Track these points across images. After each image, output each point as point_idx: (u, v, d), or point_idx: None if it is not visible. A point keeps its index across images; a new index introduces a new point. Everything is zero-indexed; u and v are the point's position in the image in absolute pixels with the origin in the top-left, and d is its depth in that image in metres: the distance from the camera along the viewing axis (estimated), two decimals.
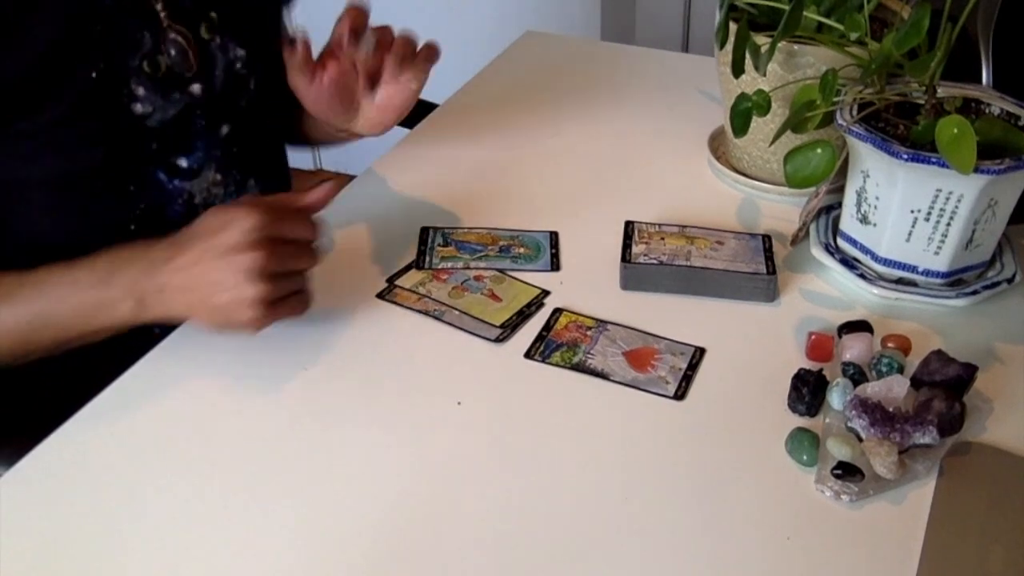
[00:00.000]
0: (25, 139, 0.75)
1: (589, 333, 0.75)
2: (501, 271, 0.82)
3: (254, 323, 0.70)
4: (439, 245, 0.86)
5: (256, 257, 0.68)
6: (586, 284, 0.81)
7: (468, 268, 0.83)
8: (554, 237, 0.87)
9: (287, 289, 0.71)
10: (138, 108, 0.80)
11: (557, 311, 0.78)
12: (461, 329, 0.76)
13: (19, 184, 0.78)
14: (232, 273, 0.68)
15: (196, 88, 0.83)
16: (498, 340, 0.75)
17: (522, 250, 0.85)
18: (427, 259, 0.84)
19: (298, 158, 2.92)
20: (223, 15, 0.85)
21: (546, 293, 0.80)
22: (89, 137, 0.77)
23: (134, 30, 0.78)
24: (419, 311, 0.78)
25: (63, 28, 0.74)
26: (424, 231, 0.88)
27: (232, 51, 0.86)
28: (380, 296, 0.80)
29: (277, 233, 0.69)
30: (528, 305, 0.78)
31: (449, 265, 0.83)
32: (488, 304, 0.79)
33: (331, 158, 2.63)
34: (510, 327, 0.76)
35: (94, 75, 0.76)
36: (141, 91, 0.79)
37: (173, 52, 0.81)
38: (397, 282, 0.81)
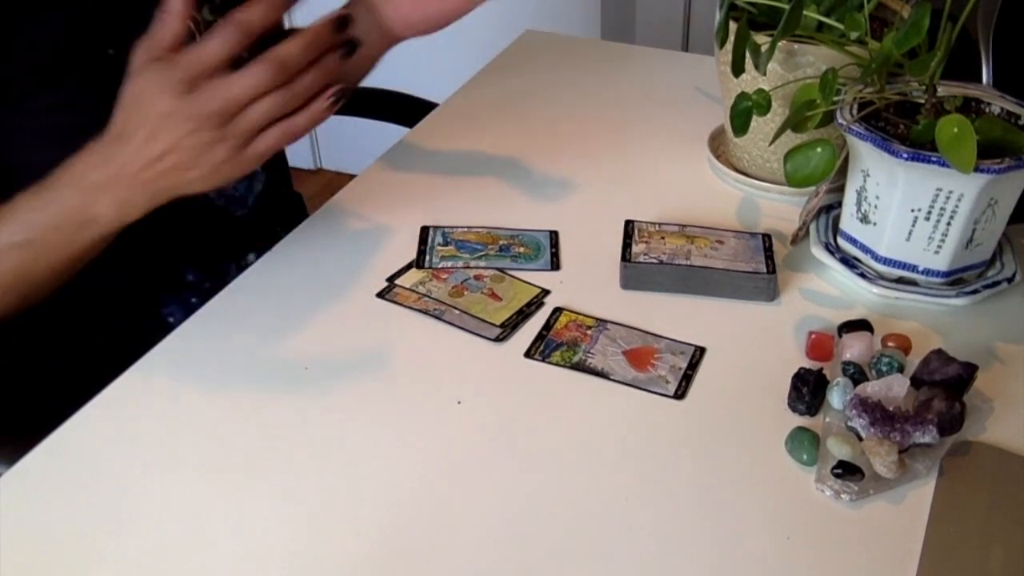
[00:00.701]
0: (41, 119, 0.75)
1: (589, 332, 0.75)
2: (501, 270, 0.82)
3: (241, 169, 0.68)
4: (439, 244, 0.86)
5: (201, 111, 0.64)
6: (586, 283, 0.81)
7: (468, 267, 0.83)
8: (554, 236, 0.87)
9: (256, 120, 0.66)
10: None
11: (557, 310, 0.78)
12: (462, 328, 0.76)
13: (28, 168, 0.77)
14: (189, 136, 0.65)
15: None
16: (498, 340, 0.75)
17: (522, 249, 0.85)
18: (427, 258, 0.84)
19: (298, 157, 2.93)
20: None
21: (546, 292, 0.80)
22: (105, 115, 0.77)
23: (147, 7, 0.78)
24: (419, 310, 0.78)
25: (80, 6, 0.73)
26: (424, 230, 0.88)
27: None
28: (380, 295, 0.80)
29: (204, 69, 0.65)
30: (528, 304, 0.79)
31: (449, 264, 0.83)
32: (488, 303, 0.79)
33: (331, 158, 2.63)
34: (510, 326, 0.76)
35: (111, 51, 0.76)
36: None
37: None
38: (397, 281, 0.81)
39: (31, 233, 0.71)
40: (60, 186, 0.70)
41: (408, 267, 0.83)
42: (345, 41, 0.68)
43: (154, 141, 0.66)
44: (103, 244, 0.73)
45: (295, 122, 0.68)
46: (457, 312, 0.77)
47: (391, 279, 0.82)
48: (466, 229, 0.88)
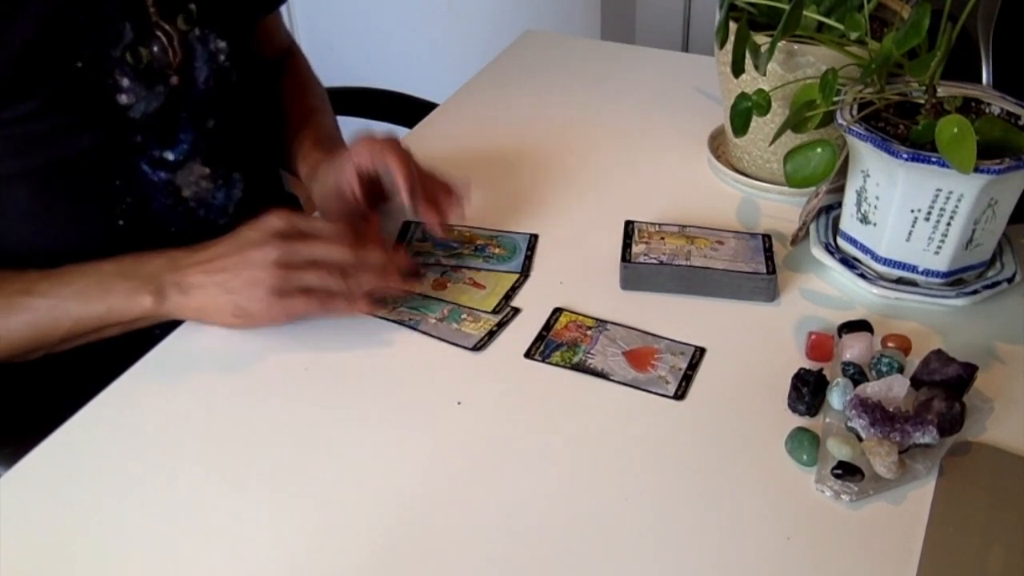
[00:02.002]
0: (9, 129, 0.75)
1: (589, 333, 0.75)
2: (472, 269, 0.83)
3: (266, 313, 0.72)
4: (417, 240, 0.87)
5: (270, 248, 0.71)
6: (586, 284, 0.81)
7: (440, 264, 0.83)
8: (533, 240, 0.87)
9: (303, 281, 0.73)
10: (122, 99, 0.80)
11: (557, 311, 0.78)
12: (438, 339, 0.75)
13: (5, 177, 0.78)
14: (245, 263, 0.71)
15: (176, 80, 0.83)
16: (501, 324, 0.76)
17: (497, 251, 0.85)
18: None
19: None
20: (202, 7, 0.85)
21: (525, 276, 0.82)
22: (74, 127, 0.78)
23: (117, 20, 0.78)
24: (394, 321, 0.77)
25: (48, 17, 0.74)
26: (406, 225, 0.88)
27: (213, 43, 0.86)
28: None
29: (299, 232, 0.73)
30: (512, 289, 0.80)
31: (421, 260, 0.83)
32: (474, 292, 0.79)
33: None
34: (505, 308, 0.77)
35: (79, 64, 0.76)
36: (125, 82, 0.79)
37: (155, 46, 0.81)
38: None
39: (71, 294, 0.74)
40: (123, 260, 0.76)
41: None
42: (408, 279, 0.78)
43: (216, 254, 0.73)
44: (129, 327, 0.77)
45: (335, 303, 0.74)
46: (433, 321, 0.77)
47: None
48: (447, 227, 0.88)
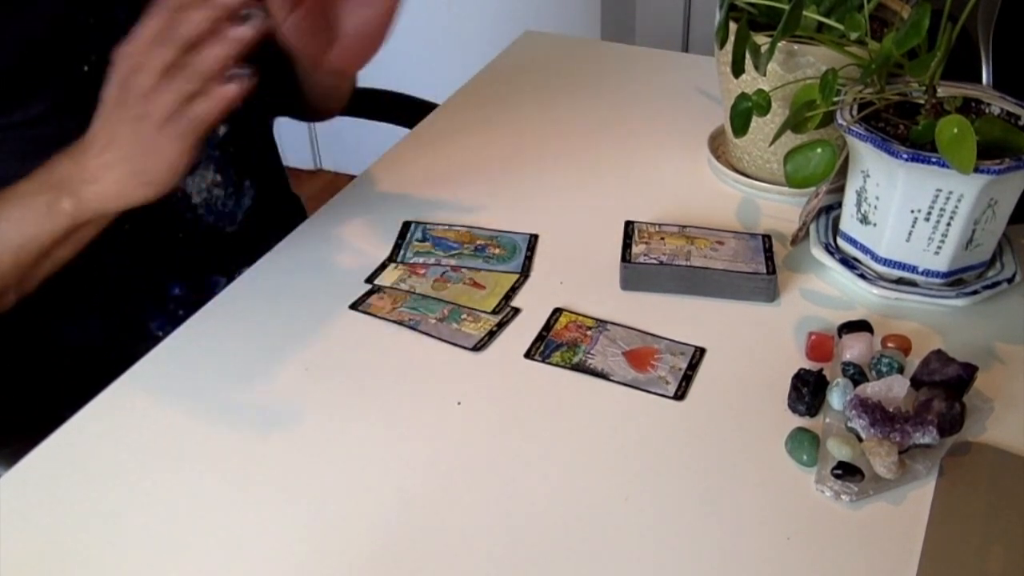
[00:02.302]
0: (18, 132, 0.75)
1: (589, 333, 0.75)
2: (471, 269, 0.83)
3: (171, 149, 0.67)
4: (416, 240, 0.87)
5: (123, 94, 0.65)
6: (586, 284, 0.81)
7: (439, 264, 0.83)
8: (533, 240, 0.87)
9: (166, 107, 0.65)
10: None
11: (557, 311, 0.78)
12: (438, 339, 0.75)
13: (9, 181, 0.78)
14: (119, 121, 0.66)
15: None
16: (501, 324, 0.76)
17: (497, 251, 0.85)
18: (401, 253, 0.84)
19: (298, 158, 2.92)
20: None
21: (525, 276, 0.81)
22: (80, 131, 0.77)
23: (125, 24, 0.78)
24: (394, 321, 0.77)
25: (55, 19, 0.73)
26: (405, 225, 0.88)
27: None
28: (355, 306, 0.79)
29: (134, 52, 0.65)
30: (512, 289, 0.80)
31: (421, 260, 0.83)
32: (474, 292, 0.79)
33: (331, 158, 2.63)
34: (505, 308, 0.77)
35: (86, 68, 0.76)
36: None
37: None
38: (377, 280, 0.81)
39: (2, 219, 0.71)
40: (36, 176, 0.71)
41: (384, 264, 0.83)
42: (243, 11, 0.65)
43: (97, 132, 0.68)
44: (67, 242, 0.73)
45: (199, 106, 0.65)
46: (433, 321, 0.77)
47: (371, 279, 0.82)
48: (446, 227, 0.88)
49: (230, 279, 0.91)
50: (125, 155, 0.68)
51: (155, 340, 0.75)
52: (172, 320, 0.87)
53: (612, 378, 0.71)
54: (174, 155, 0.68)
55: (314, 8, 0.73)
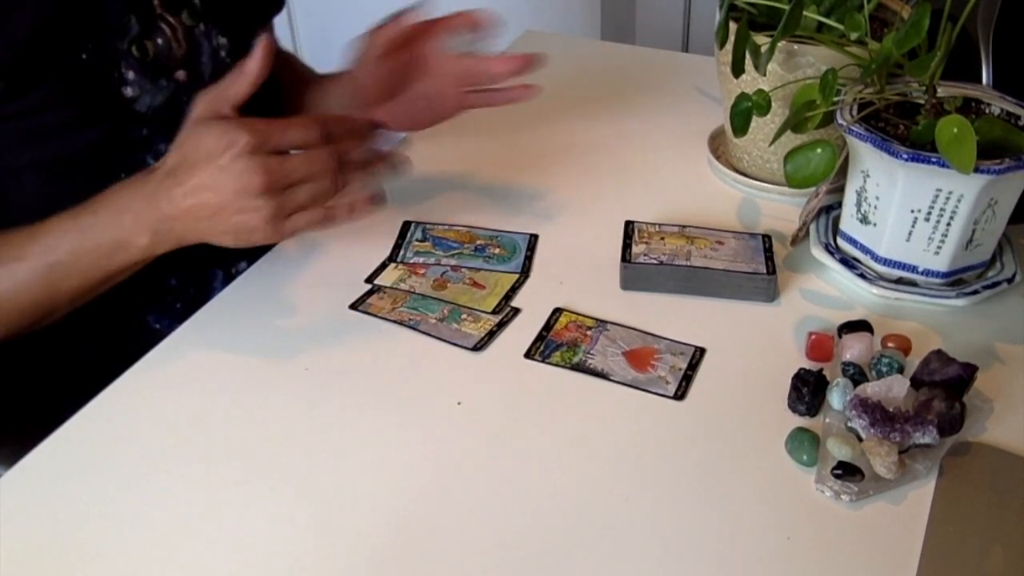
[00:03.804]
0: (15, 122, 0.75)
1: (589, 333, 0.75)
2: (472, 269, 0.83)
3: (269, 238, 0.70)
4: (416, 240, 0.86)
5: (256, 174, 0.67)
6: (586, 284, 0.81)
7: (439, 264, 0.83)
8: (533, 240, 0.87)
9: (296, 203, 0.70)
10: (128, 92, 0.80)
11: (557, 311, 0.78)
12: (438, 339, 0.75)
13: (11, 170, 0.78)
14: (235, 194, 0.68)
15: (182, 74, 0.83)
16: (501, 324, 0.76)
17: (497, 251, 0.85)
18: (401, 253, 0.84)
19: None
20: (205, 1, 0.85)
21: (525, 276, 0.81)
22: (81, 120, 0.77)
23: (123, 13, 0.79)
24: (394, 321, 0.77)
25: (52, 9, 0.74)
26: (405, 225, 0.88)
27: (215, 39, 0.86)
28: (355, 305, 0.79)
29: (273, 145, 0.68)
30: (512, 289, 0.80)
31: (421, 260, 0.83)
32: (474, 292, 0.79)
33: None
34: (505, 308, 0.77)
35: (84, 56, 0.76)
36: (131, 75, 0.80)
37: (160, 39, 0.81)
38: (377, 280, 0.81)
39: (64, 254, 0.72)
40: (99, 210, 0.72)
41: (384, 264, 0.83)
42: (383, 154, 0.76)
43: (203, 190, 0.68)
44: (132, 270, 0.75)
45: (335, 212, 0.72)
46: (433, 321, 0.77)
47: (370, 279, 0.82)
48: (447, 227, 0.88)
49: (228, 272, 0.92)
50: (225, 230, 0.70)
51: (153, 334, 0.75)
52: (169, 313, 0.87)
53: (612, 378, 0.71)
54: (275, 239, 0.71)
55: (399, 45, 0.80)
